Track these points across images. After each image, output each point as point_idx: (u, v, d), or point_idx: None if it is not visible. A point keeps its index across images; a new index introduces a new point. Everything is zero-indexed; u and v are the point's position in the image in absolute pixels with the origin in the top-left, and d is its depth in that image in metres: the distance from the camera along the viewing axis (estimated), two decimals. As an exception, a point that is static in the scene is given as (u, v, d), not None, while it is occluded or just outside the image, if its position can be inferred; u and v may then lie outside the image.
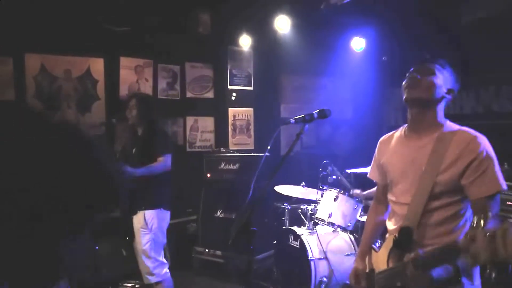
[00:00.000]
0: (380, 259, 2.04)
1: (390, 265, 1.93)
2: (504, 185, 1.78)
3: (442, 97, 1.96)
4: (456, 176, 1.80)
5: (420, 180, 1.87)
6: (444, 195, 1.84)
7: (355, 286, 2.18)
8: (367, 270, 2.18)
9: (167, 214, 3.63)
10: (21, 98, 4.91)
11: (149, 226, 3.48)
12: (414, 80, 1.97)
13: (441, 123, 1.97)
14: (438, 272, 1.62)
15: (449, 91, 1.98)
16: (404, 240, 1.82)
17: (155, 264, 3.51)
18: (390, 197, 2.10)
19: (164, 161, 3.53)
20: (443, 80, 1.95)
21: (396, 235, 1.87)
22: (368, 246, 2.26)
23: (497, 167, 1.80)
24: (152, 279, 3.50)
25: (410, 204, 1.90)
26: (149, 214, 3.49)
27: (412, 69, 2.03)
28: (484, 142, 1.82)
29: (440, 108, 1.98)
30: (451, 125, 1.97)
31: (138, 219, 3.55)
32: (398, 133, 2.19)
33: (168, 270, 3.63)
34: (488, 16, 4.98)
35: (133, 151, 3.70)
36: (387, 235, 2.13)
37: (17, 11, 4.57)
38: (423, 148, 1.94)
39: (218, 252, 4.97)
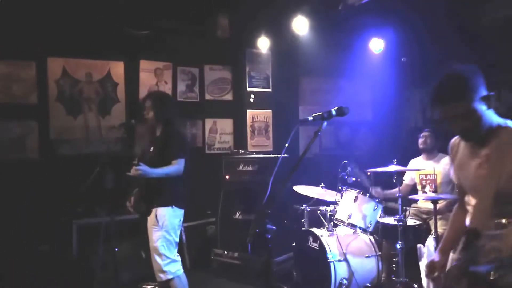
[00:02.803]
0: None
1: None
2: None
3: (482, 110, 1.88)
4: None
5: (485, 187, 1.87)
6: (507, 199, 1.84)
7: (427, 276, 2.19)
8: (446, 267, 2.14)
9: (180, 213, 3.59)
10: (43, 102, 5.02)
11: (160, 223, 3.46)
12: (456, 131, 1.99)
13: (496, 127, 1.92)
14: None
15: (484, 99, 1.88)
16: (472, 242, 1.81)
17: (166, 261, 3.47)
18: (466, 198, 2.15)
19: (177, 165, 3.53)
20: (471, 97, 1.85)
21: (465, 238, 1.85)
22: (450, 243, 2.21)
23: None
24: (163, 277, 3.47)
25: (475, 210, 1.96)
26: (160, 211, 3.49)
27: (437, 113, 1.95)
28: None
29: (486, 115, 1.89)
30: (509, 128, 1.91)
31: (150, 217, 3.56)
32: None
33: (181, 268, 3.59)
34: (510, 15, 4.86)
35: (151, 150, 3.71)
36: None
37: (40, 16, 4.69)
38: (484, 156, 1.93)
39: (237, 254, 4.95)
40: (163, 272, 3.45)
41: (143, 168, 3.38)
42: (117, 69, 5.41)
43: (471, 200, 2.09)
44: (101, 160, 3.85)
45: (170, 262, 3.49)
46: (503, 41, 4.83)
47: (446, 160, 4.43)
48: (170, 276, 3.47)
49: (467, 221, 2.11)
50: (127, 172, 3.42)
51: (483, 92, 1.89)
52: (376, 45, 6.04)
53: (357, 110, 6.71)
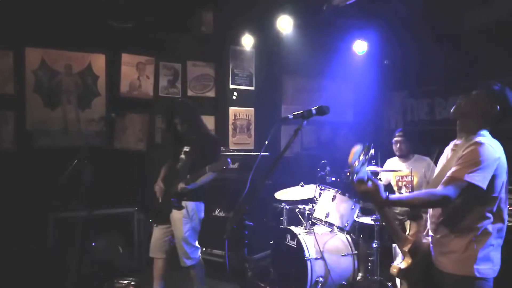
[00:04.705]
0: None
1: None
2: (473, 181, 2.03)
3: (483, 113, 2.22)
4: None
5: (438, 175, 2.31)
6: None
7: None
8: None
9: (203, 206, 3.91)
10: (20, 92, 4.91)
11: (190, 215, 3.76)
12: (456, 108, 2.31)
13: (474, 133, 2.21)
14: None
15: (493, 117, 2.21)
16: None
17: (193, 249, 3.80)
18: None
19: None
20: (488, 99, 2.20)
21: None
22: None
23: (474, 167, 2.05)
24: (189, 262, 3.79)
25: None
26: (192, 205, 3.77)
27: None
28: (481, 148, 2.09)
29: (481, 124, 2.22)
30: (479, 135, 2.20)
31: (180, 210, 3.80)
32: None
33: (200, 253, 3.90)
34: (490, 21, 4.97)
35: (186, 149, 3.88)
36: None
37: (18, 4, 4.58)
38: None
39: (216, 251, 4.95)
40: (190, 258, 3.79)
41: (191, 186, 3.68)
42: (98, 61, 5.32)
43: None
44: (80, 153, 3.81)
45: (195, 249, 3.84)
46: (484, 47, 4.92)
47: (423, 163, 4.49)
48: (195, 262, 3.82)
49: None
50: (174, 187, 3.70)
51: (498, 114, 2.19)
52: (360, 47, 6.10)
53: (339, 111, 6.77)
